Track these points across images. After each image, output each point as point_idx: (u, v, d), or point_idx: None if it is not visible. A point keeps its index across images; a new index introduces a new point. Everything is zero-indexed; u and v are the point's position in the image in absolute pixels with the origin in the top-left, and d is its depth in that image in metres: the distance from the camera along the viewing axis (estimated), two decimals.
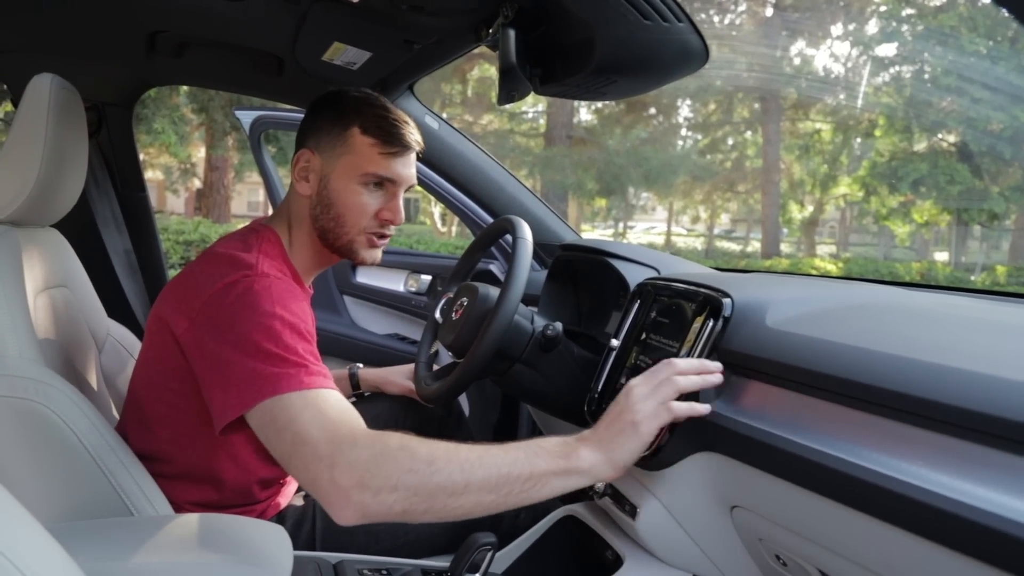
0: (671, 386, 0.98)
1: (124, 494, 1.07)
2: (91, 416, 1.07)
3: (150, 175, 14.81)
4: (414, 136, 1.24)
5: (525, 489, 0.92)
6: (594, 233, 18.61)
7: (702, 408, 0.97)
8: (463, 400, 2.17)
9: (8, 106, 8.53)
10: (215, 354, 1.02)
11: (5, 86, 1.78)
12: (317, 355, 1.05)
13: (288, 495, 1.39)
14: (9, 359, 1.04)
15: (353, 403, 1.05)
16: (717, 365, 1.01)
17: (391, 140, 1.20)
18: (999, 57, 11.44)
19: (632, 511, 1.15)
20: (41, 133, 1.15)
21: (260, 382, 0.97)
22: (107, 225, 2.02)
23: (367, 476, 0.87)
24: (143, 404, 1.19)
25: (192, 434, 1.16)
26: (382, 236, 1.26)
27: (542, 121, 15.87)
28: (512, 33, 1.19)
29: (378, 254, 1.28)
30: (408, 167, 1.25)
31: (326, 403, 0.96)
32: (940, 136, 12.59)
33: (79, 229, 1.77)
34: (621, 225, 21.68)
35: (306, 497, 1.42)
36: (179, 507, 1.16)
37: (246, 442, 1.19)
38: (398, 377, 1.63)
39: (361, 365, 1.70)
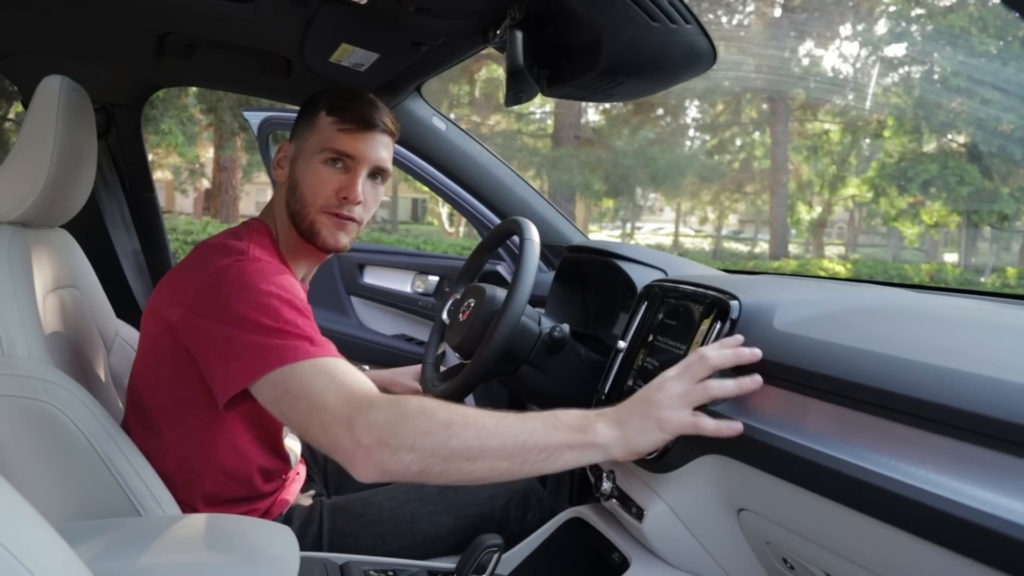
0: (704, 393, 0.95)
1: (132, 494, 1.08)
2: (99, 416, 1.07)
3: (159, 175, 14.87)
4: (379, 117, 1.23)
5: (540, 459, 0.93)
6: (601, 234, 18.61)
7: (734, 428, 0.93)
8: (470, 401, 2.17)
9: (18, 107, 8.59)
10: (214, 334, 1.03)
11: (15, 87, 1.79)
12: (318, 330, 1.06)
13: (294, 492, 1.39)
14: (18, 359, 1.04)
15: None
16: (755, 353, 0.96)
17: (349, 117, 1.21)
18: (1009, 57, 11.38)
19: (639, 513, 1.15)
20: (51, 134, 1.16)
21: (265, 354, 0.98)
22: (116, 226, 2.03)
23: (386, 435, 0.89)
24: (143, 397, 1.20)
25: (192, 422, 1.18)
26: (343, 218, 1.23)
27: (549, 122, 15.87)
28: (519, 35, 1.19)
29: (342, 239, 1.24)
30: (369, 145, 1.23)
31: (337, 370, 0.97)
32: (950, 137, 12.52)
33: (88, 230, 1.78)
34: (628, 226, 21.65)
35: (314, 498, 1.42)
36: (183, 501, 1.17)
37: (245, 428, 1.21)
38: (404, 378, 1.63)
39: (367, 367, 1.70)
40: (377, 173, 1.27)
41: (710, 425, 0.93)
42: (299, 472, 1.45)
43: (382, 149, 1.25)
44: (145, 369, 1.20)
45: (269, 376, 0.97)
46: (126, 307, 1.94)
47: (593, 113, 16.12)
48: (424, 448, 0.89)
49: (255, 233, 1.21)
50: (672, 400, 0.95)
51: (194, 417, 1.17)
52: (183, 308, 1.08)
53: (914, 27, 12.96)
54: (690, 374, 0.97)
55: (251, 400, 1.01)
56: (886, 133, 13.18)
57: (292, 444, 1.41)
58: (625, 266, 1.48)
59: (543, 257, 2.09)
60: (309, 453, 1.55)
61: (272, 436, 1.29)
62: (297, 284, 1.14)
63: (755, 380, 0.94)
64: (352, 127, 1.22)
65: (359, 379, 0.97)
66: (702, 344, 1.07)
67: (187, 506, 1.18)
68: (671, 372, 0.99)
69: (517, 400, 2.08)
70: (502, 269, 2.19)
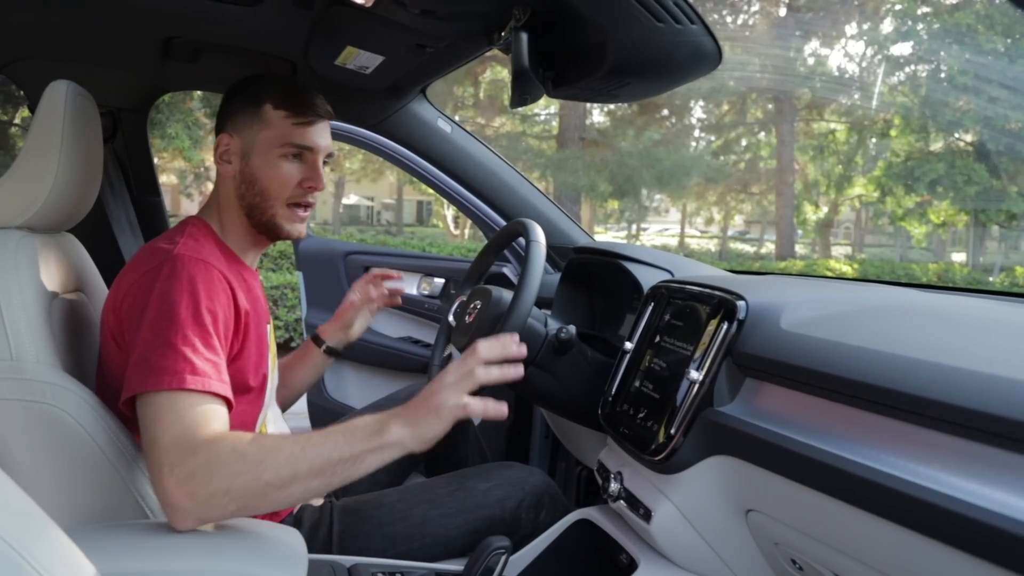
0: (471, 380, 1.06)
1: (140, 497, 1.08)
2: (107, 419, 1.08)
3: (164, 179, 14.91)
4: (324, 106, 1.29)
5: (347, 468, 1.00)
6: (607, 235, 18.58)
7: (500, 410, 1.06)
8: None
9: (25, 112, 8.62)
10: (128, 338, 1.08)
11: (22, 92, 1.80)
12: (214, 347, 1.07)
13: None
14: (26, 363, 1.05)
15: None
16: (521, 350, 1.11)
17: (303, 110, 1.26)
18: (1017, 55, 11.33)
19: (646, 515, 1.15)
20: (57, 139, 1.16)
21: (146, 373, 1.00)
22: (122, 230, 2.03)
23: (198, 486, 0.92)
24: (111, 395, 1.19)
25: None
26: (304, 206, 1.30)
27: (554, 123, 15.85)
28: (524, 36, 1.19)
29: (303, 228, 1.32)
30: (322, 135, 1.29)
31: (189, 407, 0.99)
32: (957, 136, 12.47)
33: (95, 234, 1.78)
34: (634, 227, 21.63)
35: (324, 499, 1.43)
36: None
37: None
38: (346, 315, 1.67)
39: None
40: (327, 157, 1.32)
41: (477, 407, 1.05)
42: None
43: (328, 135, 1.32)
44: (108, 374, 1.20)
45: (142, 396, 1.00)
46: None
47: (598, 114, 16.11)
48: (238, 489, 0.93)
49: (189, 230, 1.22)
50: (446, 389, 1.05)
51: None
52: (116, 311, 1.12)
53: (920, 25, 12.91)
54: (462, 367, 1.07)
55: None
56: (892, 132, 13.12)
57: (276, 432, 1.40)
58: (631, 267, 1.48)
59: (549, 259, 2.09)
60: None
61: (244, 427, 1.26)
62: (222, 292, 1.13)
63: (517, 370, 1.10)
64: (306, 120, 1.26)
65: (200, 422, 0.98)
66: (709, 344, 1.07)
67: None
68: (450, 366, 1.09)
69: (523, 402, 2.08)
70: (508, 271, 2.19)
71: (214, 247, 1.23)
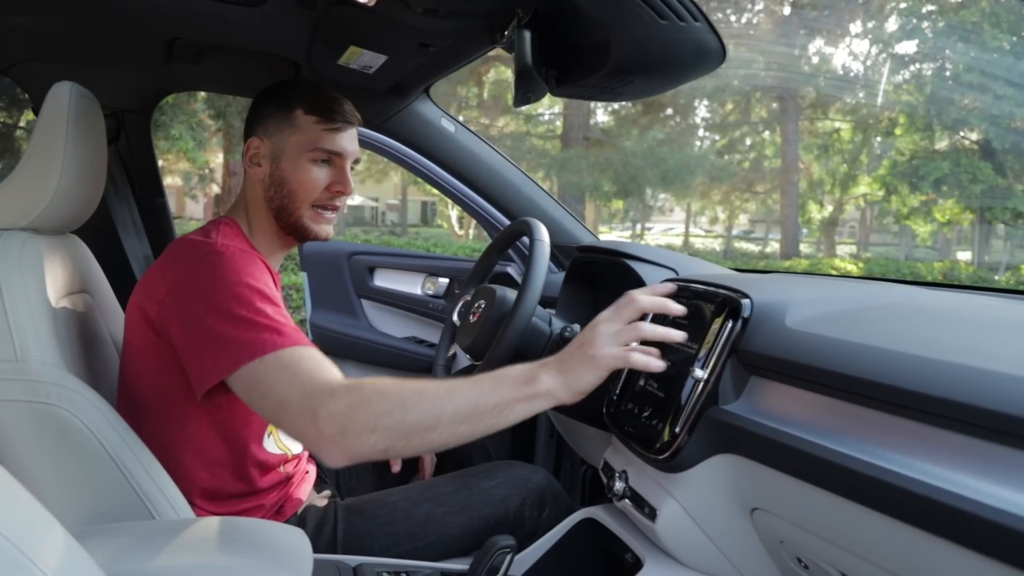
0: (634, 332, 1.04)
1: (145, 497, 1.08)
2: (112, 420, 1.08)
3: (169, 181, 14.95)
4: (353, 112, 1.33)
5: (494, 416, 0.98)
6: (611, 235, 18.57)
7: (657, 364, 1.03)
8: None
9: (29, 115, 8.64)
10: (188, 326, 1.08)
11: (26, 95, 1.80)
12: (287, 315, 1.10)
13: (305, 491, 1.40)
14: (31, 364, 1.05)
15: None
16: (679, 308, 1.08)
17: (333, 116, 1.29)
18: (1023, 53, 11.29)
19: (651, 513, 1.14)
20: (61, 141, 1.17)
21: (236, 348, 1.02)
22: (127, 231, 2.04)
23: (347, 422, 0.94)
24: (132, 393, 1.22)
25: (178, 415, 1.20)
26: (331, 209, 1.33)
27: (559, 123, 15.85)
28: (527, 35, 1.19)
29: (329, 229, 1.34)
30: (351, 141, 1.33)
31: (301, 360, 1.01)
32: (962, 134, 12.43)
33: (99, 235, 1.78)
34: (639, 227, 21.60)
35: (329, 498, 1.43)
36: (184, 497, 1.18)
37: (229, 416, 1.23)
38: None
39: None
40: (355, 163, 1.35)
41: (640, 359, 1.02)
42: (308, 471, 1.45)
43: (356, 141, 1.35)
44: (131, 366, 1.23)
45: (240, 371, 1.01)
46: None
47: (602, 114, 16.12)
48: (385, 428, 0.94)
49: (223, 228, 1.27)
50: (605, 339, 1.03)
51: (179, 409, 1.19)
52: (159, 303, 1.13)
53: (925, 23, 12.87)
54: (621, 315, 1.05)
55: (229, 391, 1.06)
56: (897, 131, 13.10)
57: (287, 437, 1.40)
58: (636, 266, 1.47)
59: (553, 258, 2.08)
60: None
61: (260, 423, 1.29)
62: (266, 273, 1.18)
63: (680, 334, 1.06)
64: (336, 126, 1.30)
65: (321, 368, 1.01)
66: (713, 343, 1.06)
67: (189, 502, 1.19)
68: (604, 314, 1.06)
69: None
70: (512, 270, 2.19)
71: (245, 244, 1.28)
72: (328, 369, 1.02)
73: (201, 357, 1.05)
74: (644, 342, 1.06)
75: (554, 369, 1.02)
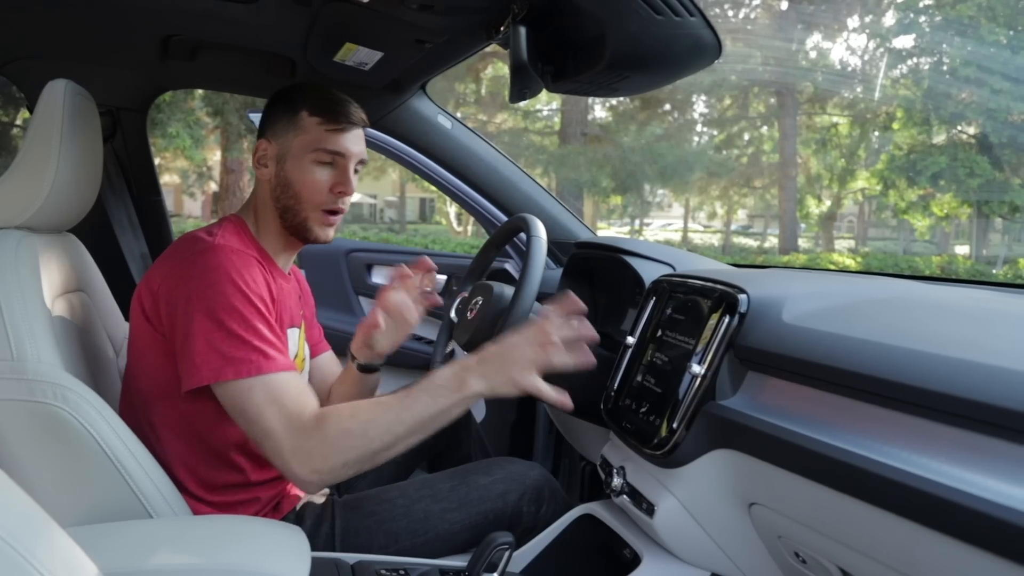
0: (546, 361, 1.11)
1: (143, 497, 1.08)
2: (110, 419, 1.08)
3: (166, 179, 14.94)
4: (358, 113, 1.33)
5: (438, 421, 1.10)
6: (610, 231, 18.58)
7: (565, 404, 1.11)
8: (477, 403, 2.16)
9: (25, 114, 8.62)
10: (182, 325, 1.12)
11: (21, 93, 1.80)
12: (275, 329, 1.15)
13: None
14: (28, 363, 1.05)
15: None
16: (593, 333, 1.14)
17: (336, 117, 1.29)
18: (1019, 46, 11.28)
19: (650, 509, 1.15)
20: (56, 139, 1.16)
21: (220, 362, 1.08)
22: (123, 229, 2.03)
23: (319, 463, 1.06)
24: (132, 385, 1.24)
25: (176, 404, 1.20)
26: (335, 212, 1.33)
27: (556, 119, 15.83)
28: (523, 30, 1.19)
29: (331, 232, 1.35)
30: (355, 142, 1.32)
31: (279, 389, 1.10)
32: (959, 128, 12.43)
33: (95, 234, 1.78)
34: (637, 222, 21.59)
35: (326, 496, 1.43)
36: (181, 488, 1.19)
37: (219, 406, 1.18)
38: (366, 334, 1.51)
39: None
40: (360, 164, 1.35)
41: (551, 394, 1.10)
42: None
43: (362, 142, 1.35)
44: (132, 355, 1.25)
45: (221, 385, 1.09)
46: None
47: (600, 110, 16.09)
48: (352, 459, 1.07)
49: (228, 225, 1.28)
50: (525, 363, 1.10)
51: (176, 398, 1.19)
52: (153, 293, 1.17)
53: (922, 18, 12.87)
54: (539, 341, 1.11)
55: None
56: (895, 125, 13.09)
57: None
58: (633, 262, 1.47)
59: (551, 254, 2.08)
60: None
61: None
62: (260, 274, 1.20)
63: (591, 358, 1.13)
64: (339, 127, 1.29)
65: (298, 400, 1.10)
66: (711, 338, 1.06)
67: (186, 492, 1.20)
68: (521, 337, 1.13)
69: (527, 398, 2.08)
70: (510, 267, 2.18)
71: (250, 243, 1.29)
72: (303, 400, 1.10)
73: (190, 357, 1.10)
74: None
75: (479, 375, 1.11)
